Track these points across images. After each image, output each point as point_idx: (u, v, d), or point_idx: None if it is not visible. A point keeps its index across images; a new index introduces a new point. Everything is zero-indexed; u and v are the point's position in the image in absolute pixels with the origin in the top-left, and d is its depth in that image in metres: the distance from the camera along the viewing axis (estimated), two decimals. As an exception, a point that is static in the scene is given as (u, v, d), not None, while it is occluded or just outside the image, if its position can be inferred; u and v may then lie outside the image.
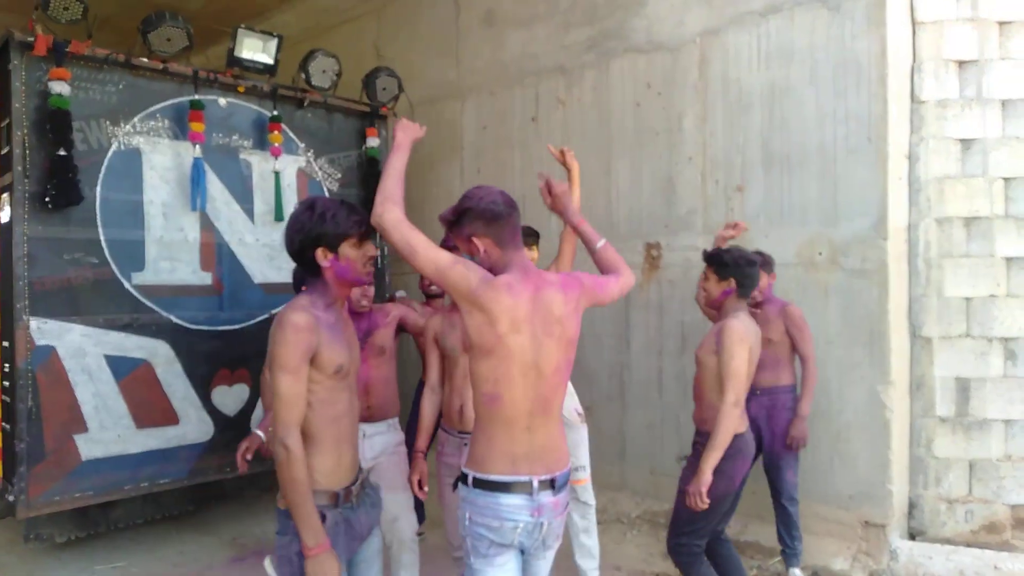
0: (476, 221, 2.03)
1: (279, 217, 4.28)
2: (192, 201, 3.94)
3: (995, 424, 3.68)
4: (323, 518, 1.88)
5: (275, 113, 4.28)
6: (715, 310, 2.95)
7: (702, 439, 2.79)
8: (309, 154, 4.54)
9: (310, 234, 1.93)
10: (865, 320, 3.68)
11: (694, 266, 4.34)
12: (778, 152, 4.00)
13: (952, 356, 3.74)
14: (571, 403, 3.51)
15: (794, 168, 3.94)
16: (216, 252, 4.12)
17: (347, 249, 1.97)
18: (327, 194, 4.62)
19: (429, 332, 2.96)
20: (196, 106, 3.93)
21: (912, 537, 3.71)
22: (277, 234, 4.34)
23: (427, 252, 1.95)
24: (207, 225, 4.08)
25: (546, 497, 1.98)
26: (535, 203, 5.31)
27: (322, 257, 1.95)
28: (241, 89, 4.17)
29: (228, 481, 4.33)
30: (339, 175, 4.69)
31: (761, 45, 4.06)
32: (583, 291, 2.15)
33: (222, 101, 4.07)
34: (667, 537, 2.92)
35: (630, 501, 4.64)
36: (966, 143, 3.82)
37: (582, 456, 3.42)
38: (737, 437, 2.72)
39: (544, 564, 2.12)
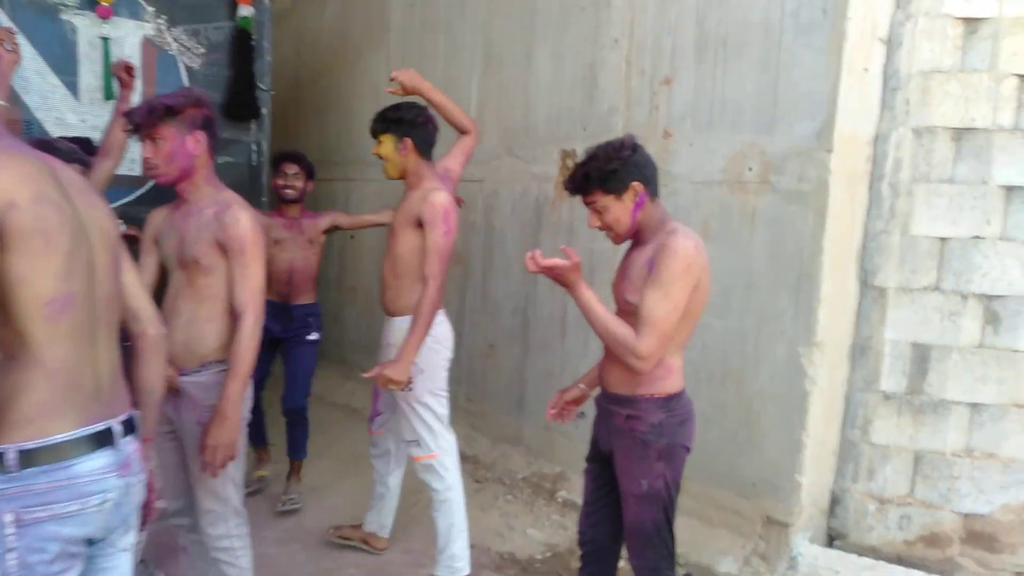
0: None
1: (108, 95, 3.55)
2: (-18, 65, 3.24)
3: (957, 408, 2.78)
4: None
5: (102, -37, 3.50)
6: (636, 233, 1.99)
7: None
8: (160, 21, 3.76)
9: None
10: (795, 258, 2.78)
11: (610, 180, 3.46)
12: (714, 33, 3.02)
13: (911, 314, 2.81)
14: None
15: (731, 54, 2.97)
16: (23, 132, 3.44)
17: None
18: (184, 72, 3.87)
19: (148, 229, 2.26)
20: (-17, -55, 3.18)
21: (831, 540, 2.91)
22: (108, 114, 3.64)
23: None
24: (11, 98, 3.39)
25: (129, 446, 1.40)
26: (457, 99, 4.43)
27: None
28: (57, -70, 3.40)
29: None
30: (202, 50, 3.91)
31: None
32: None
33: (19, -60, 3.31)
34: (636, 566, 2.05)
35: (522, 459, 3.95)
36: (971, 24, 2.77)
37: (412, 428, 2.70)
38: None
39: (126, 559, 1.42)
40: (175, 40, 3.82)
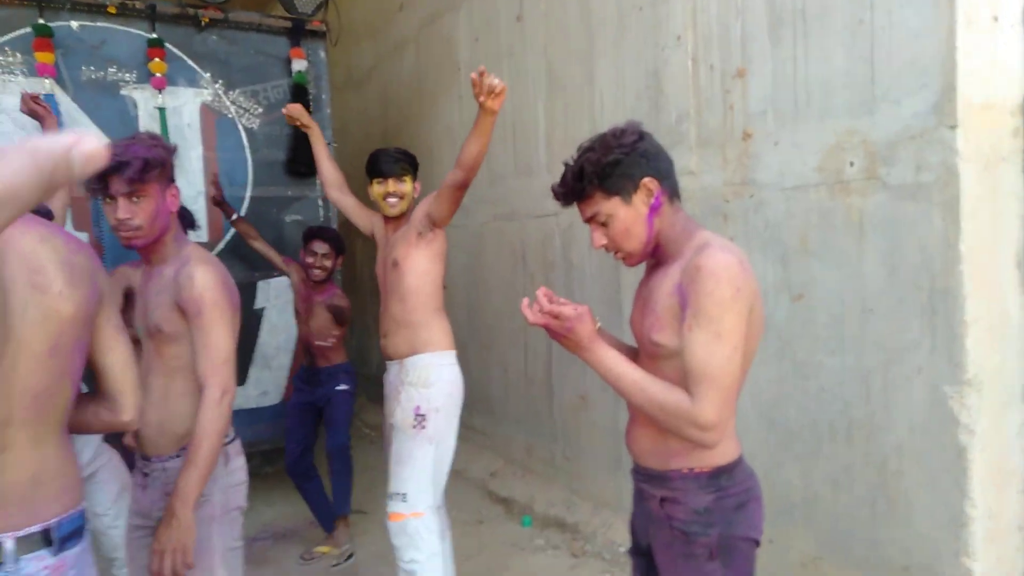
0: None
1: (167, 163, 3.57)
2: (45, 148, 3.33)
3: None
4: None
5: (153, 36, 3.54)
6: (654, 249, 1.50)
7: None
8: (217, 86, 3.76)
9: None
10: (923, 272, 2.13)
11: (688, 198, 2.95)
12: (789, 5, 2.48)
13: (1105, 335, 2.06)
14: (410, 402, 2.42)
15: (811, 27, 2.41)
16: (92, 208, 3.51)
17: None
18: (243, 133, 3.84)
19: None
20: (41, 32, 3.30)
21: (1018, 646, 2.15)
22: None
23: None
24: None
25: (35, 563, 1.20)
26: (525, 128, 4.14)
27: None
28: (112, 10, 3.47)
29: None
30: (260, 110, 3.87)
31: None
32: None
33: (74, 24, 3.40)
34: None
35: (624, 528, 3.39)
36: None
37: (405, 476, 2.34)
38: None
39: None
40: (233, 103, 3.80)
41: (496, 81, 2.16)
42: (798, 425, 2.54)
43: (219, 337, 1.75)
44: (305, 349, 3.47)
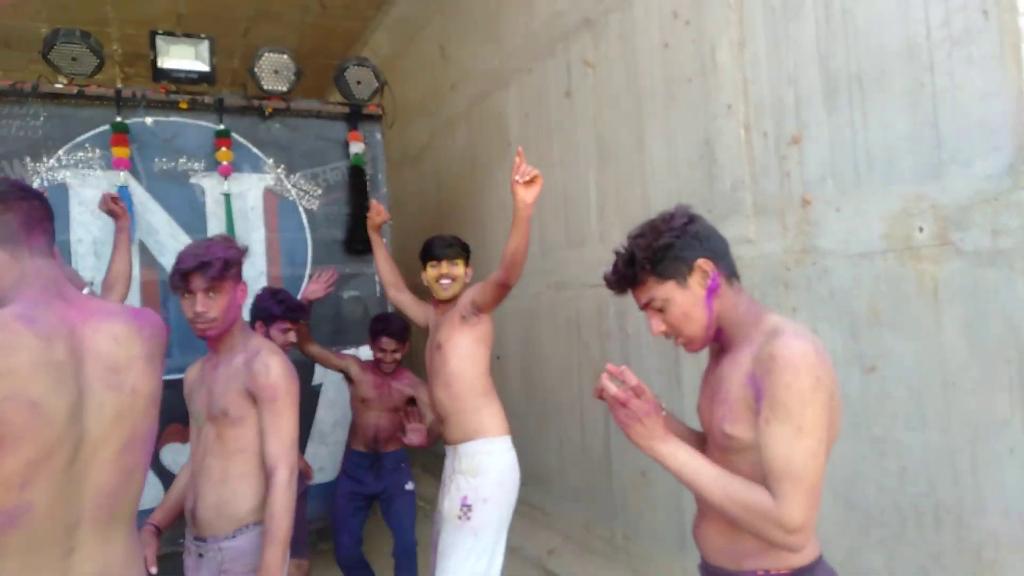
0: None
1: (231, 246, 3.70)
2: (119, 235, 3.50)
3: None
4: None
5: (221, 127, 3.72)
6: (717, 333, 1.43)
7: None
8: (279, 170, 3.91)
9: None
10: (1008, 342, 2.00)
11: (747, 266, 2.88)
12: (844, 71, 2.44)
13: None
14: (458, 491, 2.35)
15: (869, 92, 2.36)
16: (160, 291, 3.64)
17: None
18: (304, 214, 3.96)
19: (185, 388, 2.19)
20: (118, 128, 3.50)
21: None
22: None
23: None
24: (148, 261, 3.62)
25: None
26: (577, 200, 4.16)
27: None
28: (184, 105, 3.68)
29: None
30: (319, 191, 4.00)
31: (807, -92, 2.55)
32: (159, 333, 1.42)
33: (148, 120, 3.60)
34: None
35: (690, 613, 3.21)
36: None
37: (445, 569, 2.25)
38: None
39: None
40: (294, 186, 3.94)
41: (530, 168, 2.24)
42: (879, 507, 2.37)
43: (289, 422, 1.88)
44: (371, 437, 3.37)
